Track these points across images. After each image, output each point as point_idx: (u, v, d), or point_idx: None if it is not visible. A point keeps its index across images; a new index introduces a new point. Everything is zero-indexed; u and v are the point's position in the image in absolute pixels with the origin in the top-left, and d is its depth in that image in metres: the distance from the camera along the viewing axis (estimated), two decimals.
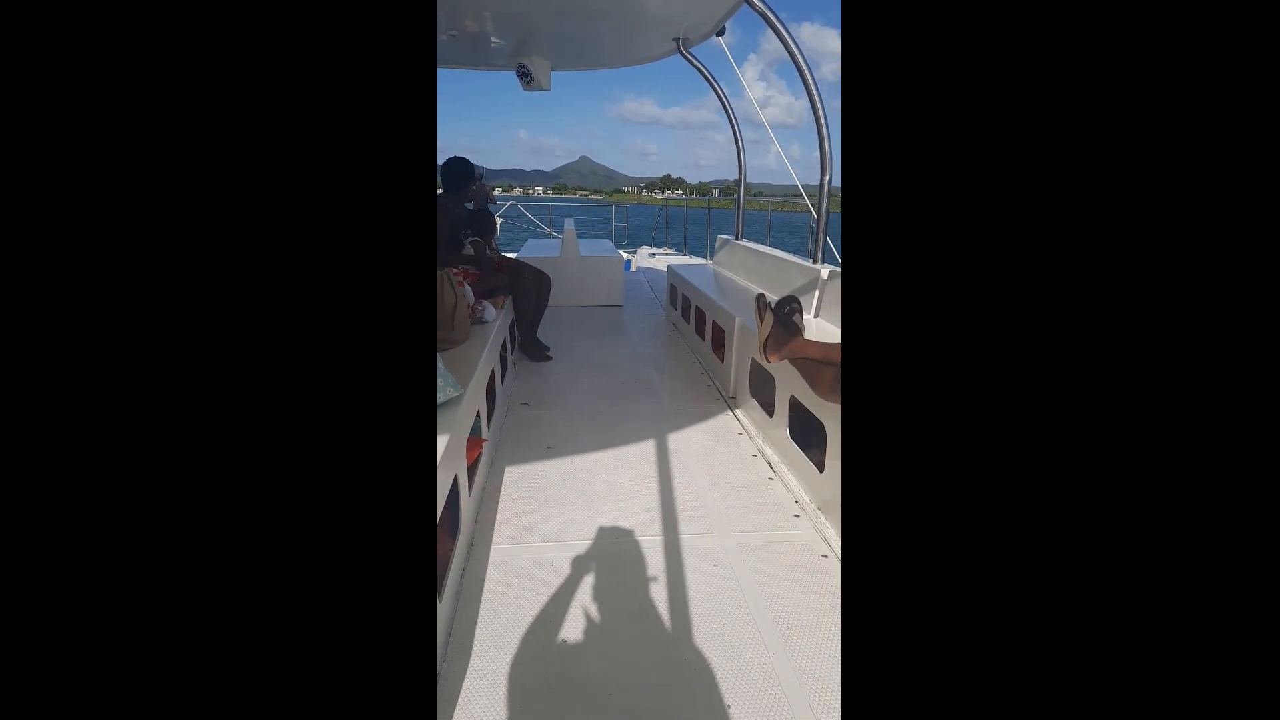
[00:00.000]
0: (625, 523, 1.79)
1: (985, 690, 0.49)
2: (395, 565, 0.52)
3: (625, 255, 6.00)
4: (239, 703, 0.48)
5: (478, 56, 4.61)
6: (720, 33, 3.67)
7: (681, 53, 4.00)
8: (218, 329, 0.50)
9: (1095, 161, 0.49)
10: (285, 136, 0.50)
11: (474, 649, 1.30)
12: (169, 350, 0.49)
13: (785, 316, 1.97)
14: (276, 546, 0.50)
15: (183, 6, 0.48)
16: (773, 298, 2.15)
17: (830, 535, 1.73)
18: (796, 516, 1.86)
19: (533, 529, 1.76)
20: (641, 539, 1.72)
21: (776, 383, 2.22)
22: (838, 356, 1.72)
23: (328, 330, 0.52)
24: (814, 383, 1.81)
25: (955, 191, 0.51)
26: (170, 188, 0.49)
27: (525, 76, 4.20)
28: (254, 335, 0.50)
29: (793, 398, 2.09)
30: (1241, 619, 0.45)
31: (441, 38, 3.95)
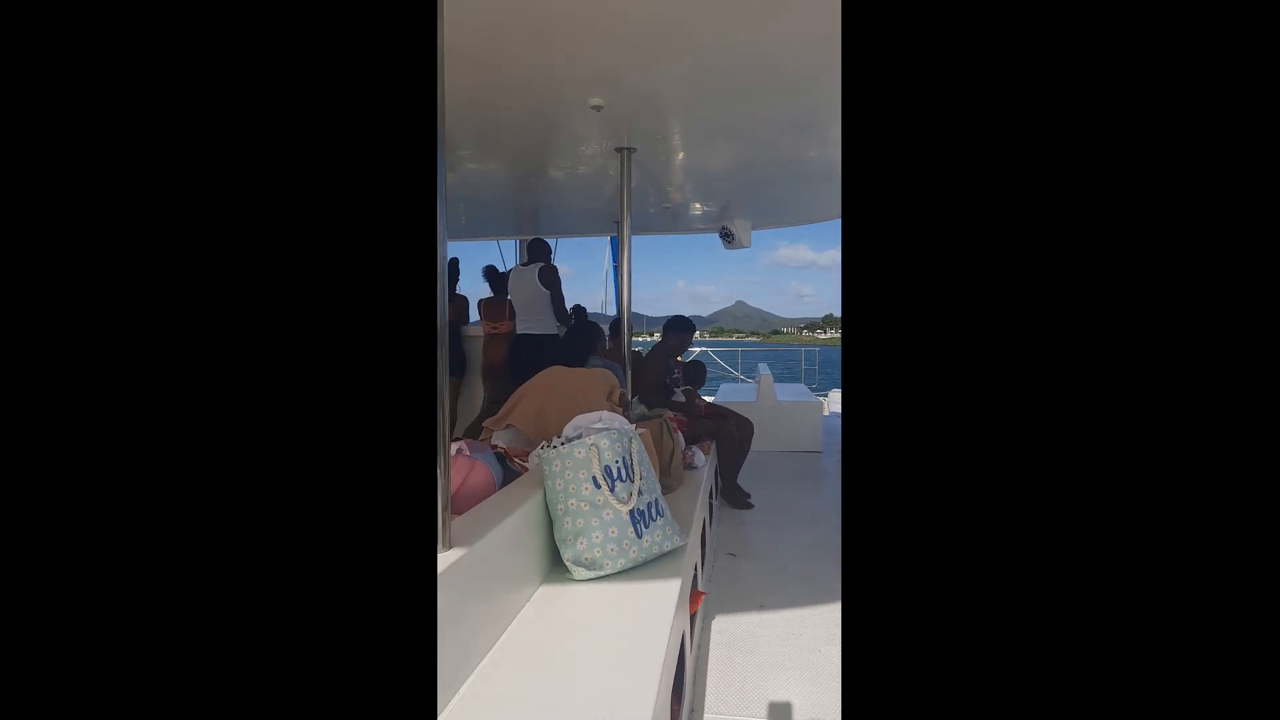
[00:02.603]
0: None
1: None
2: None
3: (819, 399, 5.86)
4: None
5: (679, 223, 5.12)
6: None
7: None
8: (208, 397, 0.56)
9: (1096, 175, 0.50)
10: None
11: None
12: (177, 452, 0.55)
13: None
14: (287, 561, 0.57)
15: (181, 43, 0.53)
16: None
17: None
18: None
19: (752, 702, 1.61)
20: None
21: None
22: None
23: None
24: None
25: (954, 198, 0.53)
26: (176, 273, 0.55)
27: (727, 237, 4.56)
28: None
29: None
30: (1241, 637, 0.46)
31: (650, 210, 4.48)
